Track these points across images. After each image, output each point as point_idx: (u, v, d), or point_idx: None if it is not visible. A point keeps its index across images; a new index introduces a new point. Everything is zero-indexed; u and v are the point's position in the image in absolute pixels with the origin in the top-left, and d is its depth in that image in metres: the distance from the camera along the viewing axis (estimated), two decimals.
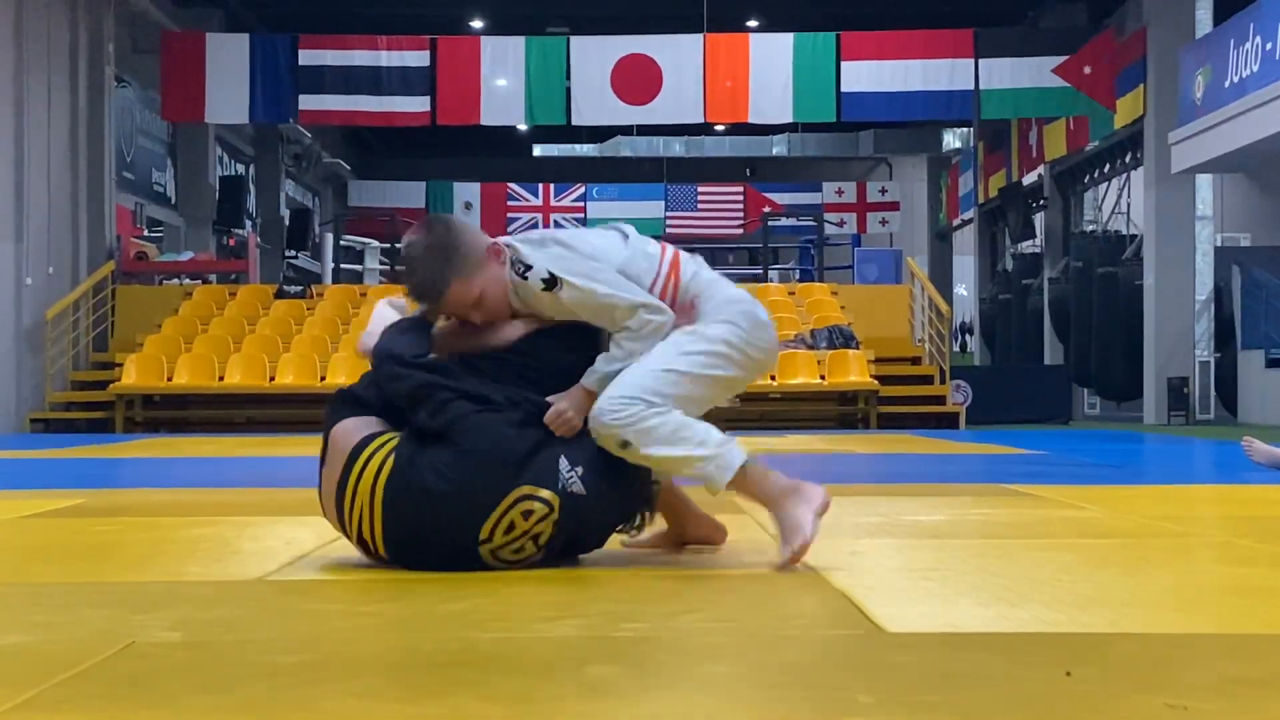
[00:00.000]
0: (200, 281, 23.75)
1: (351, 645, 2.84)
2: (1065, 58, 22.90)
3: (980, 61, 22.97)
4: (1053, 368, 25.99)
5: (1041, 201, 29.22)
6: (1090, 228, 27.56)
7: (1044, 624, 3.02)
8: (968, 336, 34.76)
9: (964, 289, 36.35)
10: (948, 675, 2.52)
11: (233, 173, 28.89)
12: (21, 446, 13.87)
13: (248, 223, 27.96)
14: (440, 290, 3.84)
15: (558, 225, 33.33)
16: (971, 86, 22.94)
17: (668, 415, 3.81)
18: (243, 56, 22.90)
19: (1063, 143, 26.66)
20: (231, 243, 26.29)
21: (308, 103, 23.26)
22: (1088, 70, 22.83)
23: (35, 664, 2.64)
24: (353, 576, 3.82)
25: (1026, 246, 30.17)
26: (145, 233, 24.85)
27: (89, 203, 21.65)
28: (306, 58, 23.04)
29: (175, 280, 23.84)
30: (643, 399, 3.77)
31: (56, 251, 20.71)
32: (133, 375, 19.48)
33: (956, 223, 34.98)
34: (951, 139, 34.64)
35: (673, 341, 3.89)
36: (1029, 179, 29.59)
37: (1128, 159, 25.45)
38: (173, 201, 26.53)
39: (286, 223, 30.09)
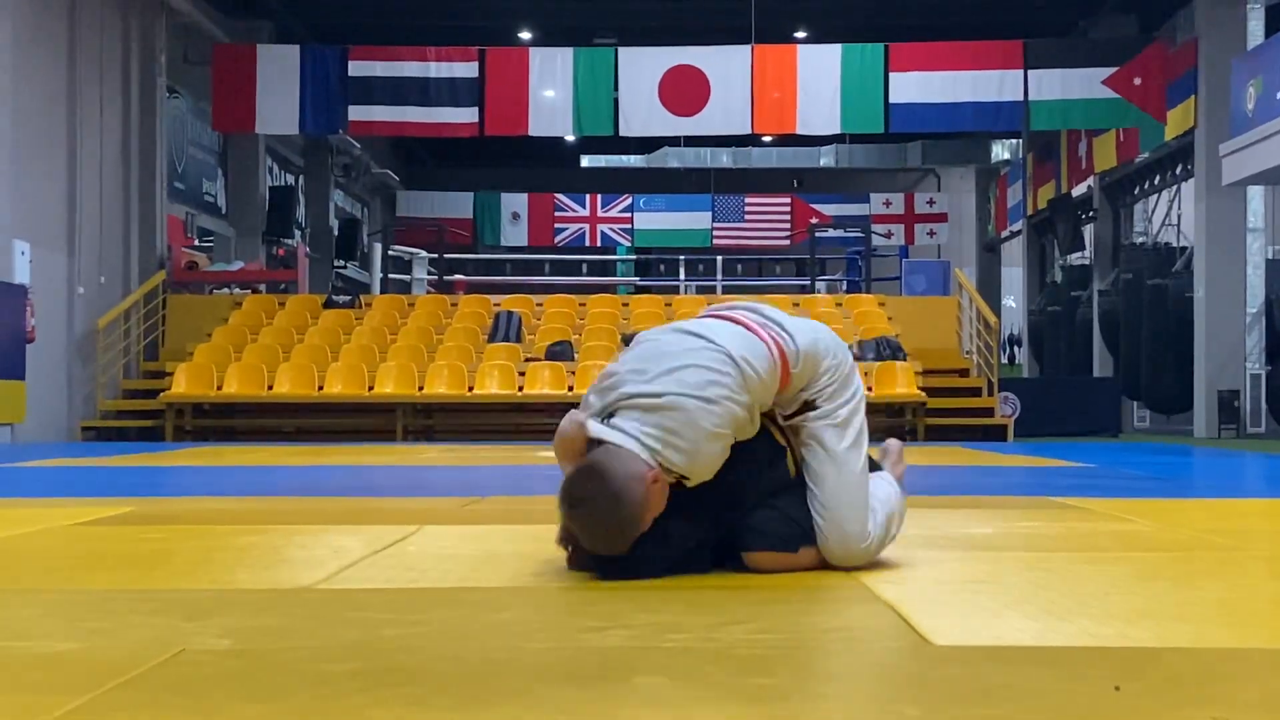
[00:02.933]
0: (250, 291, 23.88)
1: (399, 654, 2.85)
2: (1115, 69, 22.79)
3: (1029, 73, 22.87)
4: (1102, 380, 25.84)
5: (1091, 213, 29.07)
6: (1140, 240, 27.41)
7: (1092, 638, 3.00)
8: (1016, 348, 34.62)
9: (1012, 301, 36.20)
10: (995, 689, 2.51)
11: (282, 183, 29.05)
12: (73, 454, 13.98)
13: (297, 233, 28.10)
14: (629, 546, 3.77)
15: (603, 239, 33.34)
16: (1021, 98, 22.85)
17: (880, 512, 4.12)
18: (293, 68, 23.03)
19: (1113, 154, 26.52)
20: (281, 253, 26.44)
21: (357, 114, 23.37)
22: (1138, 81, 22.71)
23: (86, 671, 2.66)
24: (400, 585, 3.84)
25: (1076, 258, 30.02)
26: (196, 242, 25.02)
27: (141, 213, 21.82)
28: (356, 69, 23.15)
29: (225, 290, 23.99)
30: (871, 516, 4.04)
31: (108, 261, 20.87)
32: (183, 384, 19.60)
33: (1005, 234, 34.84)
34: (1000, 150, 34.52)
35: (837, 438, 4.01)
36: (1078, 190, 29.44)
37: (1178, 170, 25.30)
38: (223, 211, 26.70)
39: (335, 233, 30.23)
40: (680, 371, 3.77)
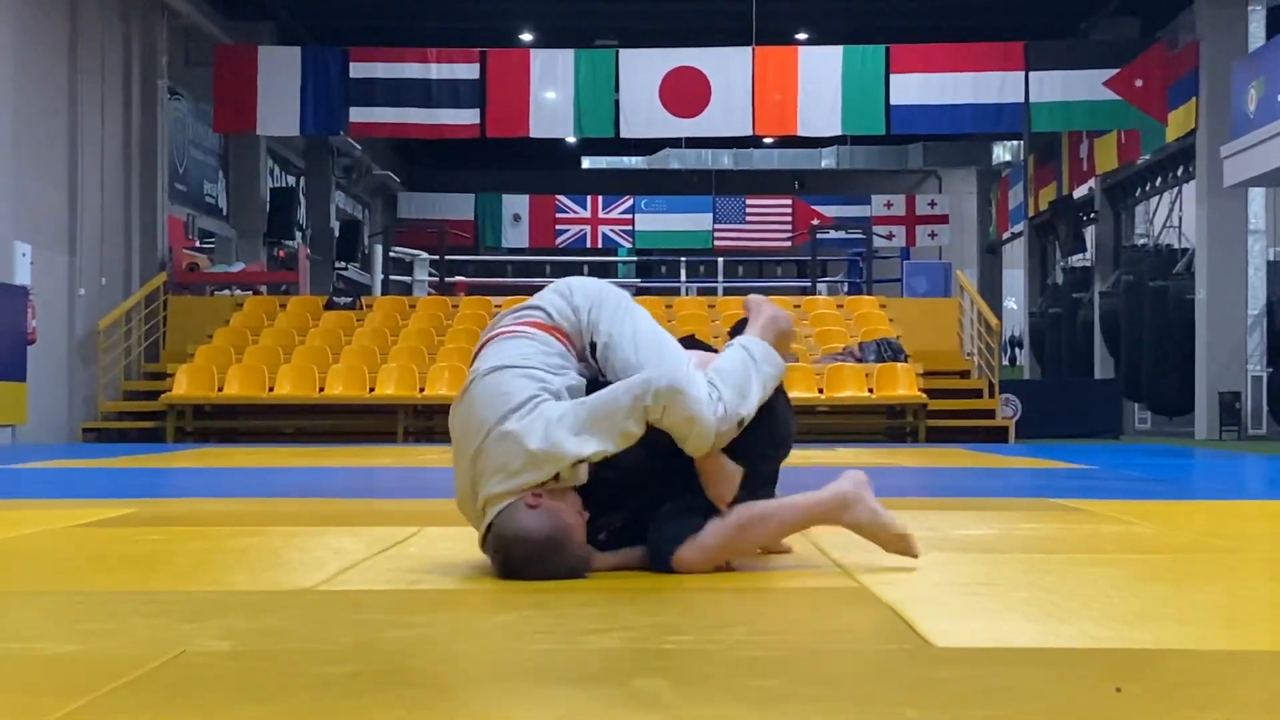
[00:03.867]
0: (251, 293, 23.90)
1: (400, 656, 2.85)
2: (1117, 70, 22.79)
3: (1031, 74, 22.87)
4: (1103, 382, 25.84)
5: (1092, 215, 29.08)
6: (1141, 241, 27.42)
7: (1093, 640, 3.00)
8: (1017, 350, 34.62)
9: (1013, 302, 36.21)
10: (995, 690, 2.51)
11: (283, 184, 29.06)
12: (74, 456, 13.98)
13: (298, 234, 28.11)
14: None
15: (603, 240, 33.37)
16: (1022, 99, 22.85)
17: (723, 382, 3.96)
18: (294, 69, 23.04)
19: (1114, 156, 26.53)
20: (282, 254, 26.45)
21: (358, 115, 23.38)
22: (1139, 83, 22.71)
23: (87, 672, 2.66)
24: (401, 587, 3.84)
25: (1077, 260, 30.03)
26: (197, 244, 25.04)
27: (142, 214, 21.83)
28: (357, 70, 23.16)
29: (226, 291, 24.00)
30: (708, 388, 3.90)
31: (109, 262, 20.88)
32: (184, 385, 19.61)
33: (1006, 236, 34.85)
34: (1001, 152, 34.52)
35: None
36: (1080, 192, 29.45)
37: (1179, 172, 25.31)
38: (224, 213, 26.71)
39: (336, 234, 30.25)
40: (491, 450, 3.89)
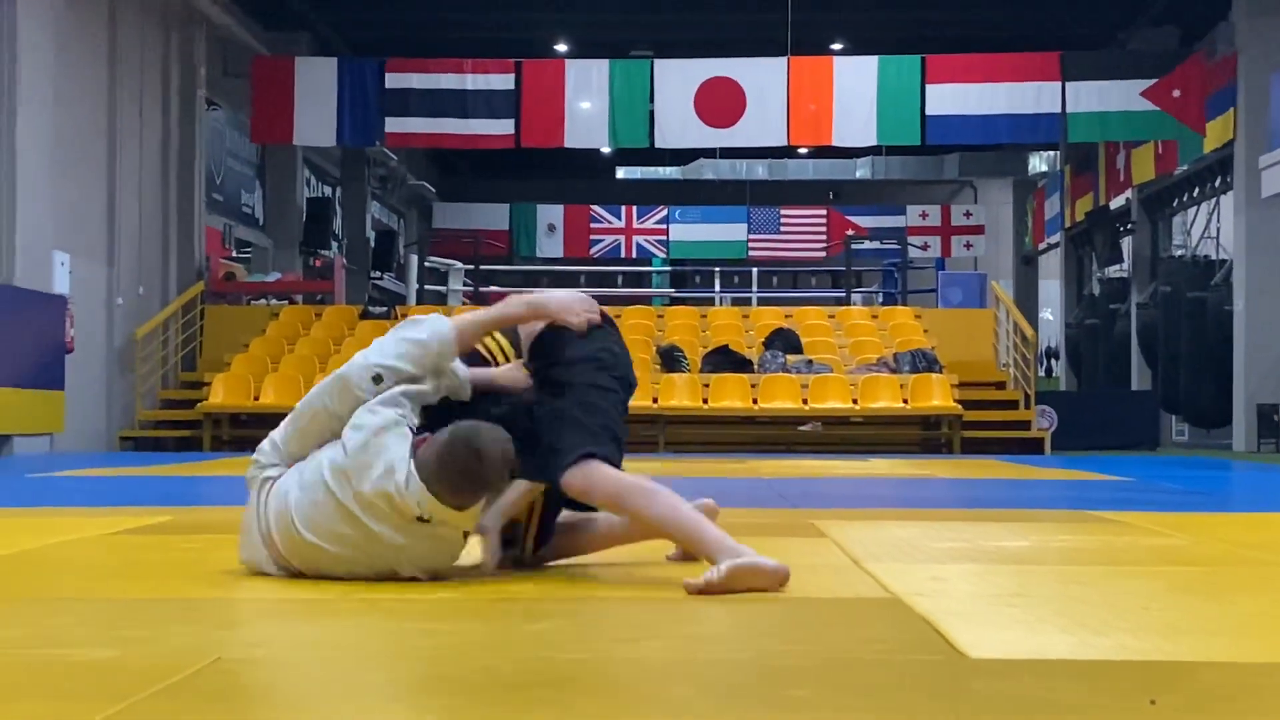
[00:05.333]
0: (287, 302, 23.97)
1: (432, 664, 2.86)
2: (1154, 81, 22.68)
3: (1067, 84, 22.78)
4: (1140, 393, 25.70)
5: (1129, 225, 28.95)
6: (1179, 252, 27.27)
7: (1128, 651, 2.99)
8: (1053, 361, 34.49)
9: (1050, 313, 36.08)
10: (1029, 702, 2.50)
11: (320, 194, 29.16)
12: (111, 464, 14.05)
13: (334, 244, 28.21)
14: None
15: (638, 250, 33.40)
16: (1058, 109, 22.77)
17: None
18: (331, 80, 23.13)
19: (1151, 166, 26.41)
20: (318, 264, 26.53)
21: (394, 125, 23.45)
22: (1177, 94, 22.60)
23: (124, 678, 2.67)
24: (434, 595, 3.85)
25: (1114, 271, 29.90)
26: (234, 254, 25.14)
27: (179, 224, 21.94)
28: (393, 81, 23.22)
29: (262, 301, 24.09)
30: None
31: (147, 272, 20.99)
32: (220, 394, 19.69)
33: (1042, 247, 34.72)
34: (1038, 162, 34.41)
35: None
36: (1116, 203, 29.32)
37: (1217, 183, 25.18)
38: (261, 223, 26.82)
39: (372, 244, 30.33)
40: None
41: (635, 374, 4.47)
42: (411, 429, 3.92)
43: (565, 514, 4.44)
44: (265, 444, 4.20)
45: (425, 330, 4.14)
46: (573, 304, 4.30)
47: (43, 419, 17.17)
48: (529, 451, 4.06)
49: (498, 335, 4.42)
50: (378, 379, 4.00)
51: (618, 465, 4.14)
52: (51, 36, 17.63)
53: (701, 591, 3.83)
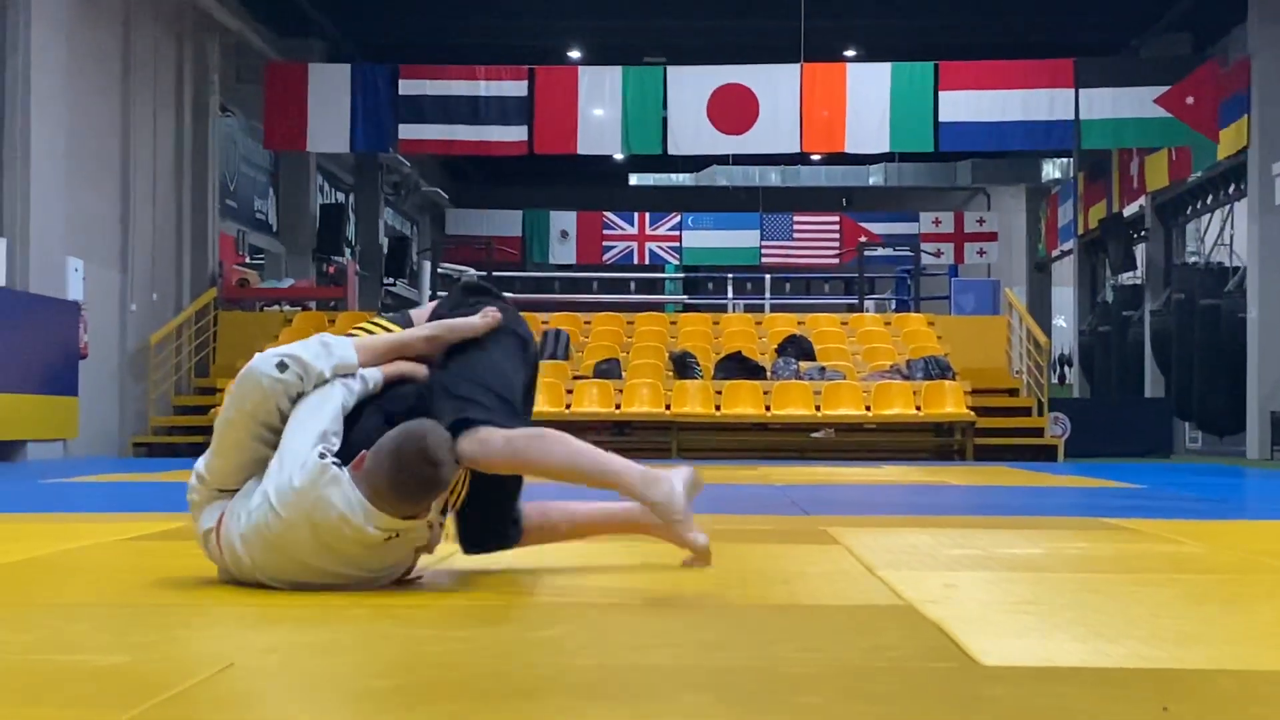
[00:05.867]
0: (300, 308, 24.00)
1: (444, 670, 2.86)
2: (1167, 88, 22.65)
3: (1080, 91, 22.76)
4: (1153, 401, 25.65)
5: (1143, 232, 28.90)
6: (1193, 259, 27.22)
7: (1142, 660, 2.98)
8: (1067, 368, 34.42)
9: (1063, 320, 36.00)
10: (1042, 709, 2.50)
11: (333, 201, 29.20)
12: (124, 470, 14.08)
13: (347, 250, 28.24)
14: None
15: (651, 257, 33.38)
16: (1071, 116, 22.74)
17: None
18: (344, 86, 23.16)
19: (1164, 173, 26.37)
20: (331, 270, 26.56)
21: (407, 132, 23.47)
22: (1190, 100, 22.57)
23: (136, 684, 2.67)
24: (447, 601, 3.85)
25: (1127, 278, 29.84)
26: (247, 260, 25.17)
27: (192, 230, 21.98)
28: (406, 87, 23.25)
29: (276, 307, 24.12)
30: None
31: (160, 278, 21.03)
32: None
33: (1055, 254, 34.66)
34: (1051, 169, 34.34)
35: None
36: (1130, 210, 29.27)
37: (1231, 190, 25.13)
38: (274, 229, 26.86)
39: (385, 250, 30.37)
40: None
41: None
42: (336, 463, 3.83)
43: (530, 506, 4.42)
44: (193, 479, 4.10)
45: (323, 338, 4.15)
46: (472, 321, 4.29)
47: (56, 424, 17.20)
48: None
49: (390, 326, 4.42)
50: (282, 366, 3.97)
51: (506, 424, 4.04)
52: (65, 44, 17.68)
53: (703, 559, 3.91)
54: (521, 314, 4.54)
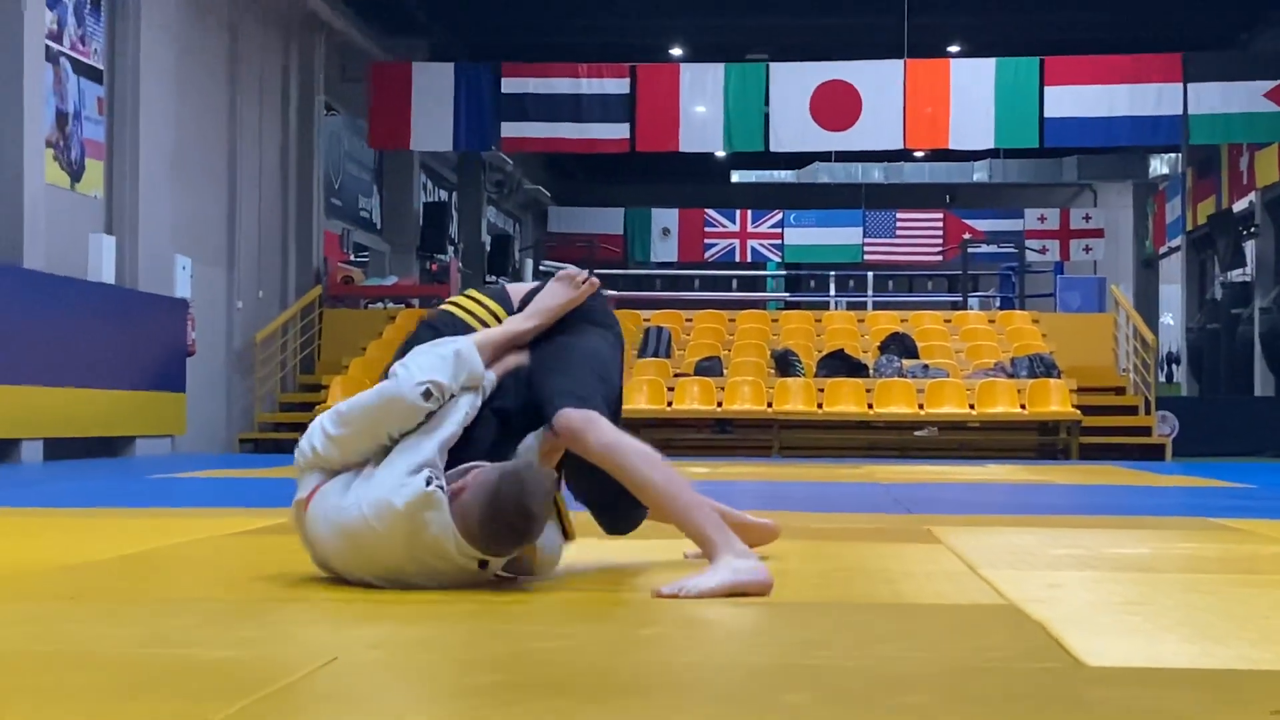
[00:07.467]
0: (403, 306, 24.20)
1: (548, 667, 2.87)
2: (1278, 82, 22.29)
3: (1189, 86, 22.45)
4: (1263, 399, 25.26)
5: (1253, 229, 28.44)
6: None
7: (1250, 662, 2.93)
8: (1174, 367, 33.97)
9: (1170, 318, 35.53)
10: (1147, 711, 2.47)
11: (436, 199, 29.41)
12: (231, 466, 14.26)
13: (450, 248, 28.43)
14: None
15: (752, 254, 33.33)
16: (1179, 111, 22.43)
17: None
18: (447, 85, 23.31)
19: (1275, 169, 25.92)
20: (434, 268, 26.75)
21: (510, 130, 23.59)
22: None
23: (242, 678, 2.71)
24: (549, 598, 3.86)
25: (1236, 275, 29.38)
26: (351, 258, 25.41)
27: (298, 228, 22.22)
28: (509, 86, 23.37)
29: (379, 304, 24.33)
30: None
31: (266, 276, 21.28)
32: (338, 397, 19.87)
33: (1163, 250, 34.22)
34: (1159, 165, 33.90)
35: None
36: (1239, 206, 28.82)
37: None
38: (378, 227, 27.10)
39: (488, 248, 30.55)
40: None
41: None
42: (442, 488, 3.80)
43: None
44: (305, 444, 4.09)
45: (453, 346, 4.07)
46: (567, 289, 4.29)
47: (165, 421, 17.46)
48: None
49: (488, 302, 4.40)
50: (427, 394, 3.97)
51: (609, 412, 4.07)
52: (173, 44, 17.95)
53: (673, 596, 3.74)
54: (619, 310, 4.57)
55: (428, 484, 3.76)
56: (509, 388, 4.12)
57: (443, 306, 4.44)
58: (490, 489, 3.72)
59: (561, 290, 4.28)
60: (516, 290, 4.44)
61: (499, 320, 4.30)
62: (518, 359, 4.21)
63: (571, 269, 4.34)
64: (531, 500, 3.71)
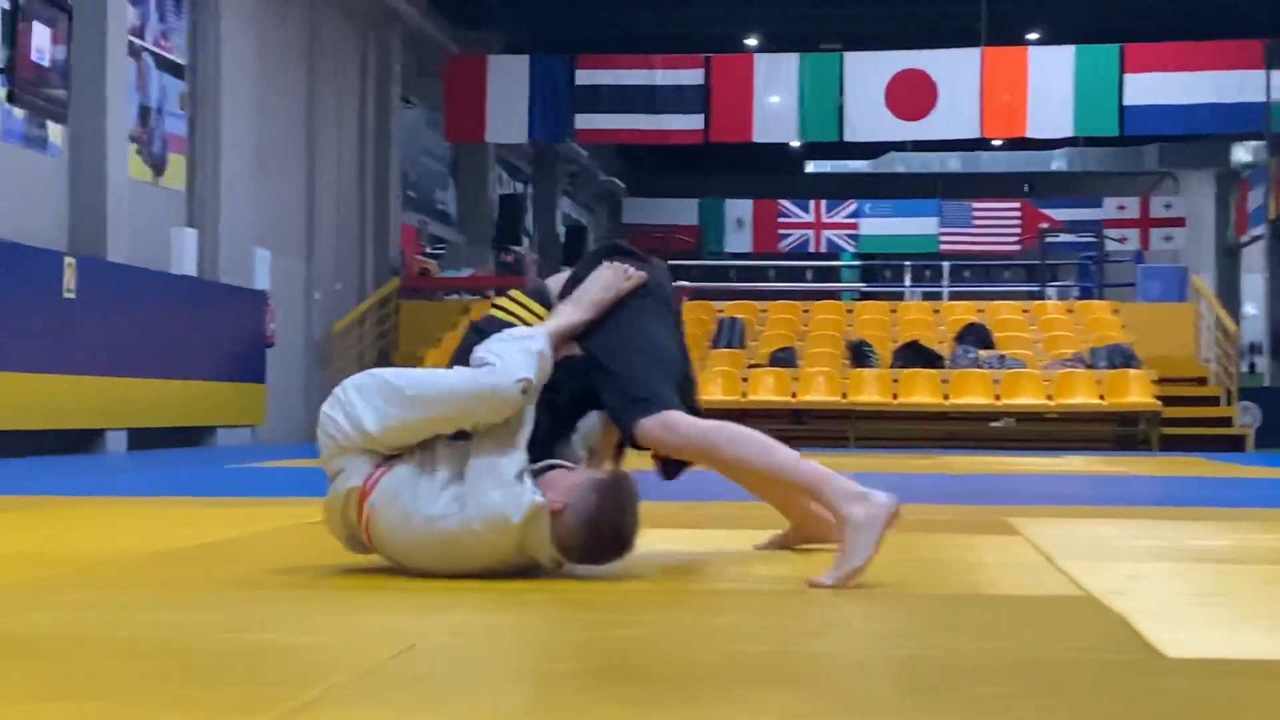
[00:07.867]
0: (479, 297, 24.30)
1: (623, 655, 2.88)
2: None
3: (1272, 72, 22.16)
4: None
5: None
6: None
7: None
8: (1257, 357, 33.56)
9: (1253, 308, 35.09)
10: (1225, 703, 2.45)
11: (511, 191, 29.52)
12: (309, 455, 14.35)
13: (525, 240, 28.52)
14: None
15: (827, 245, 33.22)
16: (1262, 99, 22.15)
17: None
18: (522, 77, 23.38)
19: None
20: (509, 259, 26.86)
21: (584, 122, 23.64)
22: None
23: (322, 663, 2.74)
24: (624, 587, 3.87)
25: None
26: (428, 250, 25.55)
27: (375, 221, 22.37)
28: (583, 77, 23.42)
29: (455, 296, 24.45)
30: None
31: (344, 267, 21.44)
32: None
33: (1245, 239, 33.79)
34: (1241, 153, 33.46)
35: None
36: None
37: None
38: (454, 219, 27.23)
39: (562, 240, 30.62)
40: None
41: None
42: (542, 500, 3.80)
43: None
44: (344, 423, 4.17)
45: (538, 343, 4.04)
46: (619, 278, 4.27)
47: (245, 411, 17.64)
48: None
49: (528, 302, 4.38)
50: (524, 391, 3.97)
51: (677, 401, 4.07)
52: (254, 38, 18.11)
53: (840, 585, 3.74)
54: (693, 301, 4.55)
55: (535, 494, 3.78)
56: (561, 382, 4.13)
57: (488, 311, 4.45)
58: (591, 515, 3.76)
59: (613, 280, 4.28)
60: (555, 282, 4.44)
61: (540, 320, 4.28)
62: (568, 350, 4.22)
63: (633, 270, 4.32)
64: (629, 524, 3.79)
